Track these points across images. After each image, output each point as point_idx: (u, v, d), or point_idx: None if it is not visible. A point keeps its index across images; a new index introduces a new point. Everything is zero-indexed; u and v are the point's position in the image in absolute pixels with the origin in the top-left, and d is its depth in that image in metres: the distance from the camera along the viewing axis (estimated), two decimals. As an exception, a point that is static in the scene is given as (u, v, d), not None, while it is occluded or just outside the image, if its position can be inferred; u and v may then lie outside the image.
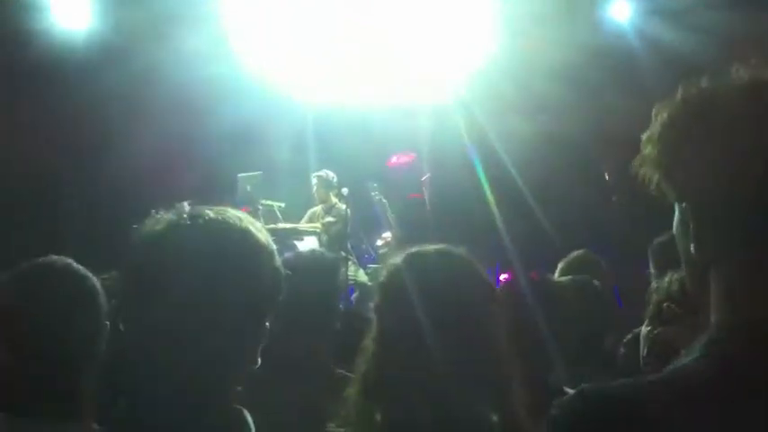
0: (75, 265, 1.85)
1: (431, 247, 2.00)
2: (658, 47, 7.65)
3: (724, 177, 1.00)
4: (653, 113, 1.08)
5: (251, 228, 1.44)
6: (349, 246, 8.33)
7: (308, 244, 8.04)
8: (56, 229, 6.54)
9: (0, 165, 7.01)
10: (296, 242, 7.96)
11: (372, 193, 8.84)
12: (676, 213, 1.10)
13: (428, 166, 9.70)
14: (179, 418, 1.32)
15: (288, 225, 8.37)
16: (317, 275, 2.49)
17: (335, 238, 8.36)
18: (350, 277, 7.99)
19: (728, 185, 1.00)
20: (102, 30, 7.96)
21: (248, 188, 8.23)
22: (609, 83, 7.89)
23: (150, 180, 7.28)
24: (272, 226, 8.10)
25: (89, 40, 7.92)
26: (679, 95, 1.07)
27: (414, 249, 2.00)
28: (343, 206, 8.31)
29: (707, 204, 1.03)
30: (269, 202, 8.37)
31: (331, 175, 8.63)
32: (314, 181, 8.66)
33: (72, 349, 1.76)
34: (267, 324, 1.45)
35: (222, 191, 7.97)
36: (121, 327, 1.40)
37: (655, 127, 1.08)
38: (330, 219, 8.45)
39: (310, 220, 8.66)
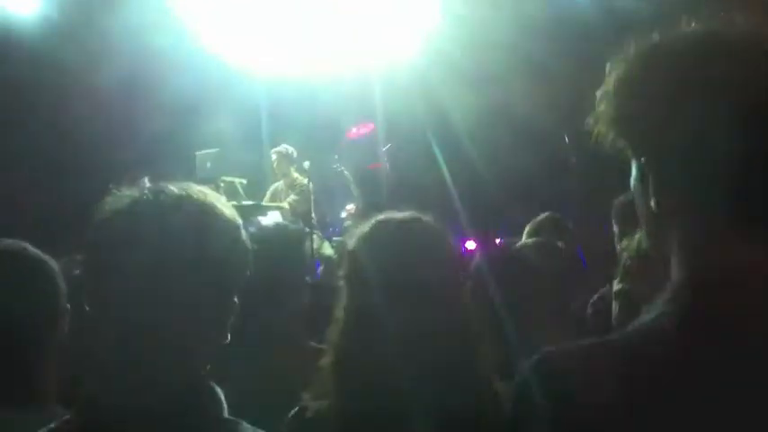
0: (30, 248, 1.80)
1: (399, 215, 1.99)
2: (613, 16, 7.66)
3: (680, 129, 1.00)
4: (606, 69, 1.08)
5: (216, 203, 1.42)
6: (313, 219, 8.30)
7: (271, 217, 7.99)
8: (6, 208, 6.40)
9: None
10: (259, 217, 7.91)
11: (333, 166, 8.80)
12: (633, 169, 1.09)
13: (387, 136, 9.70)
14: (148, 397, 1.30)
15: (251, 202, 8.31)
16: (283, 248, 2.48)
17: (300, 212, 8.33)
18: (315, 251, 7.98)
19: (685, 138, 1.00)
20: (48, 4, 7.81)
21: (208, 165, 8.15)
22: (562, 53, 7.89)
23: (102, 158, 7.18)
24: (234, 203, 8.04)
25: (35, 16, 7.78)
26: (632, 50, 1.06)
27: (382, 217, 2.00)
28: (305, 180, 8.26)
29: (665, 158, 1.03)
30: (230, 179, 8.29)
31: (290, 149, 8.57)
32: (273, 157, 8.58)
33: (29, 333, 1.72)
34: (235, 299, 1.43)
35: (179, 168, 7.89)
36: (86, 307, 1.38)
37: (609, 83, 1.07)
38: (294, 197, 8.39)
39: (273, 196, 8.60)
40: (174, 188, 1.39)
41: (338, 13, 8.63)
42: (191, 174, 8.00)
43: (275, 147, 8.66)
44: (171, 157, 8.28)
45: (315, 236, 8.12)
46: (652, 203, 1.05)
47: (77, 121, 7.70)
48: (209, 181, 7.92)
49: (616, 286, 2.47)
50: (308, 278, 2.56)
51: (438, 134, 9.18)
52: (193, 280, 1.33)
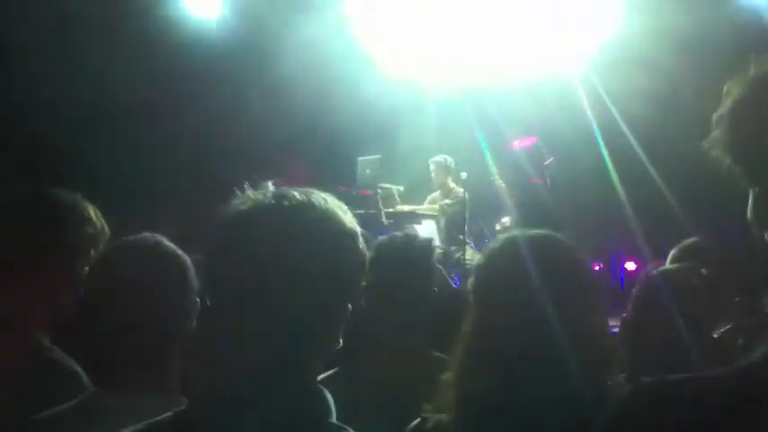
0: (166, 242, 1.89)
1: (530, 232, 1.96)
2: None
3: None
4: (723, 91, 1.01)
5: (336, 209, 1.44)
6: (467, 230, 8.29)
7: (425, 228, 8.06)
8: (162, 206, 6.77)
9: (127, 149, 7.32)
10: (415, 225, 8.00)
11: (491, 178, 8.76)
12: (750, 199, 1.03)
13: (551, 151, 9.52)
14: (259, 394, 1.34)
15: (406, 208, 8.42)
16: (408, 259, 2.49)
17: (453, 220, 8.35)
18: (467, 261, 7.97)
19: None
20: (232, 16, 8.24)
21: (368, 171, 8.31)
22: (742, 62, 7.45)
23: (272, 161, 7.46)
24: (390, 210, 8.18)
25: (219, 27, 8.24)
26: (750, 73, 1.00)
27: (512, 233, 1.98)
28: (461, 190, 8.27)
29: None
30: (388, 186, 8.42)
31: (449, 159, 8.61)
32: (432, 167, 8.66)
33: (162, 325, 1.81)
34: (350, 306, 1.45)
35: (342, 174, 8.09)
36: (208, 303, 1.44)
37: (725, 106, 1.01)
38: (448, 201, 8.45)
39: (430, 206, 8.69)
40: (296, 193, 1.42)
41: (507, 23, 8.55)
42: (351, 179, 8.22)
43: (437, 155, 8.72)
44: (335, 161, 8.54)
45: (468, 246, 8.11)
46: (766, 236, 0.97)
47: (253, 121, 8.07)
48: (368, 187, 8.11)
49: None
50: (435, 289, 2.55)
51: (608, 148, 8.90)
52: (309, 285, 1.36)
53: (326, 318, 1.41)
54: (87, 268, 2.02)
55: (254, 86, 8.07)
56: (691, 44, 7.58)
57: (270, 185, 1.45)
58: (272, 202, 1.41)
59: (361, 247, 1.46)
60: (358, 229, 1.46)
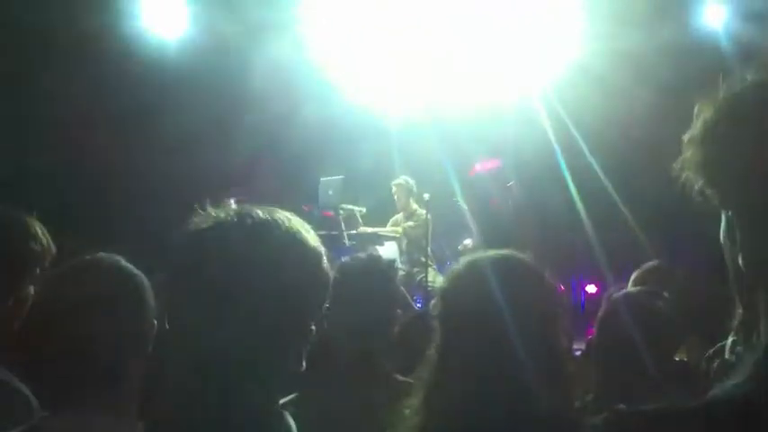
0: (123, 262, 1.84)
1: (492, 253, 1.94)
2: (752, 51, 7.32)
3: None
4: (694, 112, 1.00)
5: (299, 229, 1.41)
6: (430, 251, 8.28)
7: (388, 249, 8.04)
8: (122, 225, 6.67)
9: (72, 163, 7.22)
10: (377, 246, 7.97)
11: (454, 200, 8.77)
12: (722, 221, 1.01)
13: (513, 173, 9.57)
14: (217, 418, 1.30)
15: (369, 229, 8.39)
16: (371, 280, 2.46)
17: (415, 242, 8.33)
18: (429, 283, 7.96)
19: None
20: (194, 36, 8.18)
21: (330, 192, 8.28)
22: (698, 87, 7.58)
23: (233, 183, 7.39)
24: (352, 231, 8.15)
25: (181, 47, 8.18)
26: (722, 93, 0.99)
27: (475, 255, 1.95)
28: (424, 211, 8.26)
29: (754, 211, 0.94)
30: (350, 207, 8.39)
31: (410, 181, 8.60)
32: (394, 189, 8.63)
33: (118, 346, 1.75)
34: (312, 327, 1.42)
35: (304, 194, 8.05)
36: (166, 325, 1.39)
37: (697, 127, 0.99)
38: (410, 223, 8.43)
39: (393, 227, 8.66)
40: (259, 212, 1.39)
41: (471, 48, 8.60)
42: (313, 199, 8.18)
43: (401, 175, 8.71)
44: (297, 181, 8.49)
45: (430, 268, 8.09)
46: (739, 259, 0.96)
47: (210, 146, 8.01)
48: (330, 207, 8.08)
49: (729, 340, 2.34)
50: (398, 311, 2.53)
51: (570, 170, 8.97)
52: (271, 305, 1.32)
53: (289, 339, 1.38)
54: (38, 286, 1.96)
55: (217, 105, 8.02)
56: (651, 68, 7.70)
57: (232, 203, 1.41)
58: (235, 220, 1.37)
59: (324, 267, 1.42)
60: (322, 249, 1.43)
